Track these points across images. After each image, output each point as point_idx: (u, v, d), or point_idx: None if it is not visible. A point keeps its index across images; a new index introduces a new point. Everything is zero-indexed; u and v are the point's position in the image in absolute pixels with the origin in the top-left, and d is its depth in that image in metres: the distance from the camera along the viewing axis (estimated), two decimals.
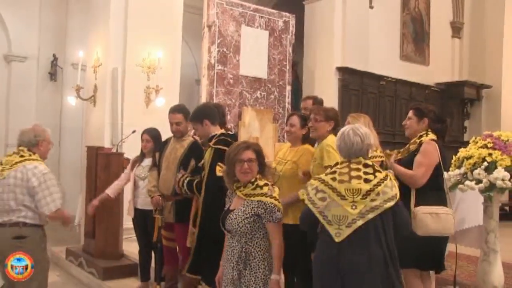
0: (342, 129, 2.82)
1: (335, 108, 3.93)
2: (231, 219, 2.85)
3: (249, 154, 2.88)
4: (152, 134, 4.61)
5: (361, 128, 2.78)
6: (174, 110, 4.21)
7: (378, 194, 2.58)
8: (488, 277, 3.58)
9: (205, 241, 3.53)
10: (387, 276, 2.61)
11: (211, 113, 3.82)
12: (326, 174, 2.73)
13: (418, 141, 3.52)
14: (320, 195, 2.65)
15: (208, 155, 3.65)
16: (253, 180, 2.88)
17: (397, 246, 3.11)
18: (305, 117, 3.85)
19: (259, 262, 2.82)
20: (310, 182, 2.82)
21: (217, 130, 3.78)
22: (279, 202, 2.83)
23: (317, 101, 4.96)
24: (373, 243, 2.58)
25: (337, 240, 2.56)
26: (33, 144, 3.41)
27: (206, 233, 3.53)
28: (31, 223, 3.28)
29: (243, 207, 2.85)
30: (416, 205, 3.32)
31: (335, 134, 3.52)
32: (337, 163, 2.77)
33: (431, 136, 3.52)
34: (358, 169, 2.65)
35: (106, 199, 4.76)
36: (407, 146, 3.63)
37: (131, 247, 5.56)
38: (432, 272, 3.76)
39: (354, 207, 2.57)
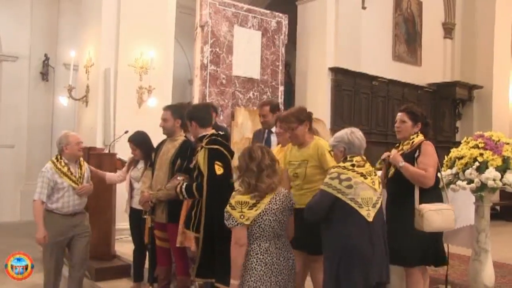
0: (348, 130, 3.12)
1: (302, 107, 3.77)
2: None
3: None
4: (136, 142, 4.57)
5: None
6: (164, 107, 4.36)
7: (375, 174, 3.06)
8: (479, 276, 3.61)
9: (214, 242, 3.46)
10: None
11: (199, 116, 3.80)
12: (344, 162, 3.00)
13: (411, 142, 3.54)
14: (345, 184, 2.89)
15: (202, 157, 3.58)
16: None
17: (403, 245, 3.19)
18: None
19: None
20: (328, 175, 2.96)
21: (208, 131, 3.77)
22: (232, 208, 2.81)
23: (273, 105, 4.77)
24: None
25: (370, 219, 2.87)
26: (60, 149, 4.17)
27: (214, 233, 3.46)
28: (46, 207, 4.04)
29: None
30: (420, 203, 3.33)
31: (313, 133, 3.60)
32: (346, 158, 3.03)
33: (421, 136, 3.54)
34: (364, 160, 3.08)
35: (101, 177, 4.85)
36: (400, 147, 3.63)
37: (123, 248, 5.55)
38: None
39: (373, 183, 2.96)
